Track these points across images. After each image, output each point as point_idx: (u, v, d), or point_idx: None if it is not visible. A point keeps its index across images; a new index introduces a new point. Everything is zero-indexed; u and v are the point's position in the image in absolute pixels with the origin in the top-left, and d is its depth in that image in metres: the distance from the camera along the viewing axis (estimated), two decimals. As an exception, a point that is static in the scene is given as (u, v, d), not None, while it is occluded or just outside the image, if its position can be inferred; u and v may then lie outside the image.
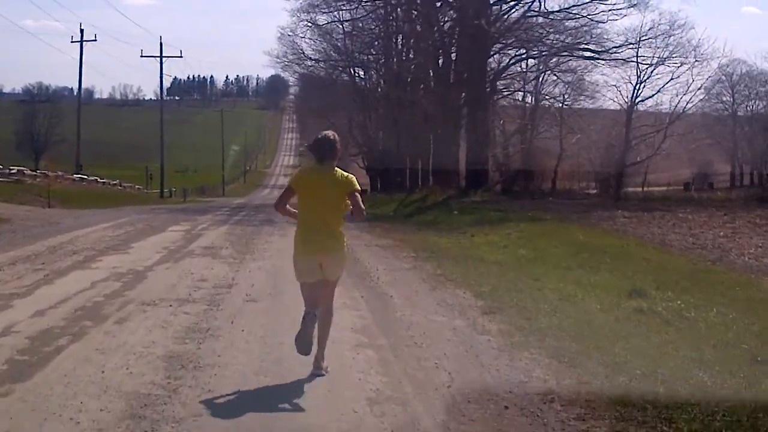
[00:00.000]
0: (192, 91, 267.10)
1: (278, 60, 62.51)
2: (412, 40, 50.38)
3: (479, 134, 39.78)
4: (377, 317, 10.37)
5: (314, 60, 61.00)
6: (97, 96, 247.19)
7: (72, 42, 67.66)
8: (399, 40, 56.23)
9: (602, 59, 40.46)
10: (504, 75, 42.78)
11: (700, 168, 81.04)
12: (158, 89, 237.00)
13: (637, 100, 41.36)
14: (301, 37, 59.13)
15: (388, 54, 56.60)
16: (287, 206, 7.85)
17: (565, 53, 41.09)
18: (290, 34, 58.49)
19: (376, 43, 55.67)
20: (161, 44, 73.46)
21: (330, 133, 7.89)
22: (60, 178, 50.09)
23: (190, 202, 68.84)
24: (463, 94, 43.03)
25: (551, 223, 25.78)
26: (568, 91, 42.53)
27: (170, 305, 10.65)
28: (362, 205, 7.71)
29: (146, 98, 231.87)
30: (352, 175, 7.73)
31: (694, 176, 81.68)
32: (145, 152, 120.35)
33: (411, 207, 37.53)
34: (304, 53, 60.52)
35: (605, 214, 28.63)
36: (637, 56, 40.76)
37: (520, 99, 46.01)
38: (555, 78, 43.01)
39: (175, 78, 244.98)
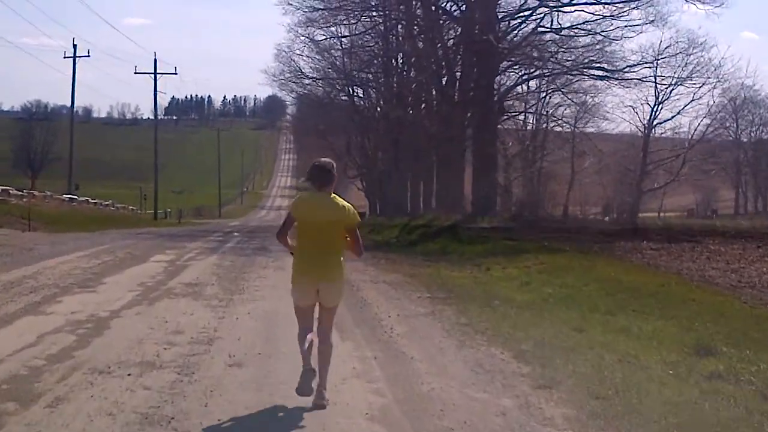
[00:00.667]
0: (190, 111, 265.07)
1: (275, 78, 60.31)
2: (413, 59, 47.95)
3: (486, 157, 37.31)
4: (398, 393, 7.81)
5: (312, 78, 58.72)
6: (95, 115, 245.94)
7: (65, 57, 65.53)
8: (399, 58, 53.99)
9: (616, 79, 38.03)
10: (510, 95, 40.29)
11: (703, 194, 78.78)
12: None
13: (654, 123, 38.72)
14: (299, 55, 57.12)
15: (388, 72, 54.32)
16: (287, 236, 7.72)
17: (576, 72, 38.69)
18: (287, 50, 56.40)
19: (376, 61, 53.43)
20: (155, 60, 70.89)
21: (326, 160, 7.84)
22: (48, 198, 47.65)
23: (185, 224, 66.43)
24: (469, 114, 40.60)
25: (572, 255, 23.25)
26: (580, 113, 39.93)
27: (129, 374, 8.05)
28: (361, 243, 7.80)
29: (144, 117, 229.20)
30: (351, 206, 7.65)
31: (698, 202, 79.49)
32: (143, 171, 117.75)
33: (415, 234, 35.00)
34: (301, 71, 58.31)
35: (629, 245, 26.11)
36: (655, 76, 38.23)
37: (527, 120, 43.14)
38: (564, 99, 40.35)
39: (173, 98, 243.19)
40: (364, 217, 70.51)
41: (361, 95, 61.69)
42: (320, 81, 58.81)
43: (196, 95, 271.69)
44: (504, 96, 39.05)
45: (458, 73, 41.65)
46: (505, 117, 40.15)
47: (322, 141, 68.68)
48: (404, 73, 53.06)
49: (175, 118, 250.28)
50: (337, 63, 56.47)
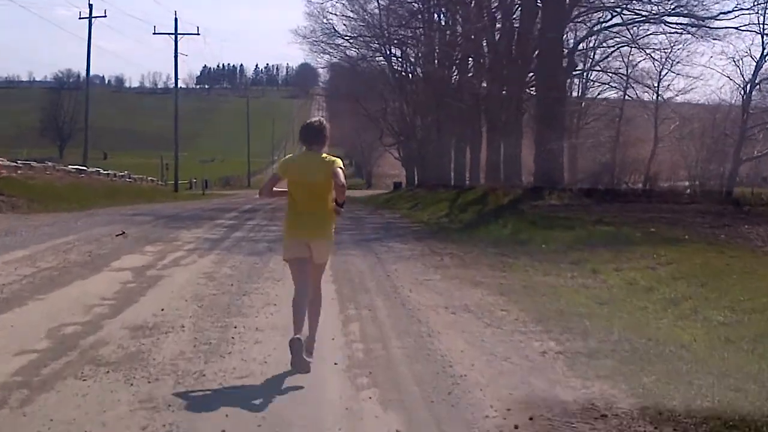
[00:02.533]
0: (221, 80, 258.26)
1: (306, 38, 53.60)
2: (459, 8, 40.98)
3: (553, 120, 30.46)
4: None
5: (346, 37, 51.93)
6: (127, 84, 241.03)
7: (80, 18, 59.50)
8: (442, 12, 47.14)
9: (707, 27, 30.90)
10: (580, 49, 33.13)
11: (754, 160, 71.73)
12: (187, 77, 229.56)
13: (758, 80, 31.11)
14: (332, 13, 50.47)
15: (430, 28, 47.46)
16: (274, 189, 7.58)
17: (657, 21, 31.59)
18: (319, 6, 49.76)
19: (416, 18, 46.73)
20: (176, 20, 64.52)
21: (317, 119, 7.75)
22: (50, 170, 41.35)
23: (209, 196, 60.40)
24: (531, 72, 33.77)
25: (700, 247, 16.54)
26: (666, 66, 32.51)
27: None
28: (342, 179, 7.16)
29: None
30: (338, 159, 7.33)
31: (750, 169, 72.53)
32: (173, 141, 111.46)
33: (470, 212, 28.42)
34: (335, 29, 51.57)
35: (760, 230, 19.37)
36: (762, 23, 30.73)
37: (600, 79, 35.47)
38: (642, 54, 32.84)
39: (205, 66, 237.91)
40: (399, 188, 64.19)
41: (399, 56, 54.95)
42: (354, 39, 52.06)
43: (228, 64, 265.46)
44: (574, 49, 32.01)
45: (516, 25, 34.63)
46: (575, 74, 33.08)
47: (356, 106, 62.25)
48: (449, 27, 46.03)
49: (207, 87, 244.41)
50: (374, 22, 49.88)
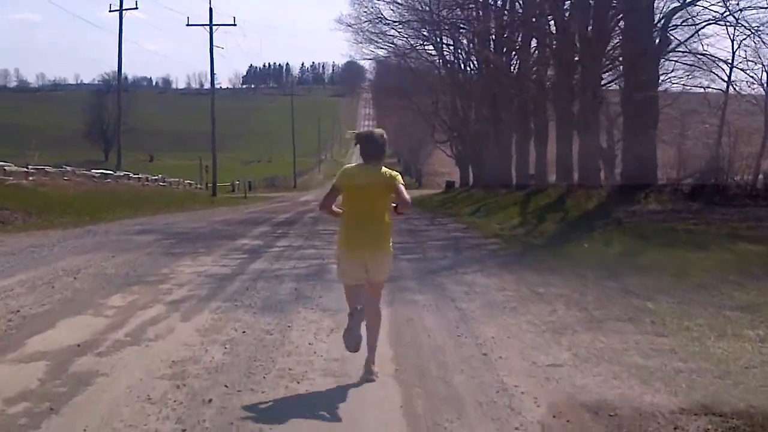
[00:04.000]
0: (267, 79, 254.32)
1: (350, 26, 48.54)
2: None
3: (643, 109, 24.94)
4: None
5: (394, 22, 46.78)
6: (173, 86, 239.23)
7: (110, 11, 55.21)
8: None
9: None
10: (672, 25, 27.33)
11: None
12: (233, 76, 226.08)
13: None
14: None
15: (485, 11, 42.06)
16: (333, 206, 6.87)
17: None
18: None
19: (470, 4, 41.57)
20: (210, 9, 60.30)
21: (378, 131, 7.06)
22: (69, 174, 36.66)
23: (251, 199, 55.59)
24: (613, 52, 28.25)
25: None
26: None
27: None
28: (407, 197, 6.74)
29: (222, 87, 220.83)
30: (396, 172, 6.83)
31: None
32: (219, 142, 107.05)
33: (550, 221, 22.92)
34: (382, 15, 46.49)
35: None
36: None
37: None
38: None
39: (251, 66, 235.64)
40: (453, 188, 59.00)
41: (451, 44, 49.62)
42: (402, 26, 46.94)
43: (274, 63, 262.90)
44: (669, 20, 26.34)
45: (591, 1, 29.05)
46: (668, 52, 27.39)
47: (404, 102, 57.26)
48: (506, 9, 40.49)
49: (252, 86, 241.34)
50: (423, 7, 44.82)
